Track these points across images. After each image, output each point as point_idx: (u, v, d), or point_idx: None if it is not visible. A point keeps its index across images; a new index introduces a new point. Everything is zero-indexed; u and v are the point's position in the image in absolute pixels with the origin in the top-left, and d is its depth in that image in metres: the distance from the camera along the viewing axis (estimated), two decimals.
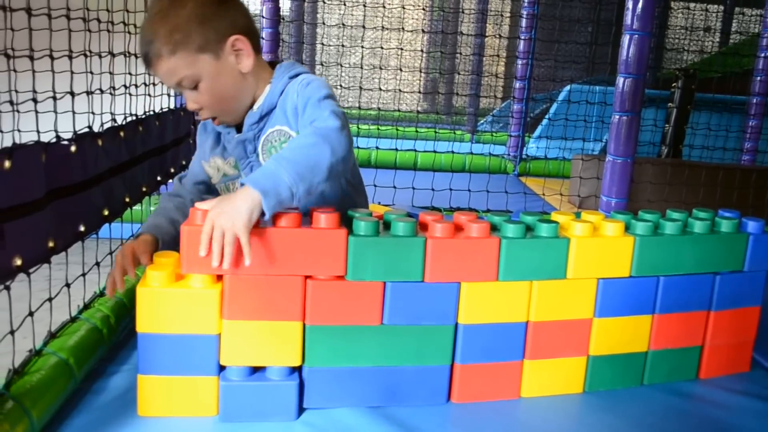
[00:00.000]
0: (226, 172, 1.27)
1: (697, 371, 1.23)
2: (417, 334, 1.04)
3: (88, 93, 1.22)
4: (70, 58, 1.15)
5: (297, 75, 1.22)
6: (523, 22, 3.66)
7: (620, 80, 1.97)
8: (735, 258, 1.19)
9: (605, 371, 1.15)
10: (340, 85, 4.74)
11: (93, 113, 1.23)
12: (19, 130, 0.92)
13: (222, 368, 1.01)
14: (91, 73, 1.25)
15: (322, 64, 4.46)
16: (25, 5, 0.98)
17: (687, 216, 1.20)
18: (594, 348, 1.13)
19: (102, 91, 1.28)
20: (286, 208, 0.98)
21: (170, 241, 1.17)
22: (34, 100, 1.00)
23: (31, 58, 0.99)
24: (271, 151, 1.20)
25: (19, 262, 0.91)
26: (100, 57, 1.28)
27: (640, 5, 1.89)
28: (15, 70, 0.94)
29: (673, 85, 3.27)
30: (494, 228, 1.08)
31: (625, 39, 1.93)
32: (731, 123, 3.80)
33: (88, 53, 1.21)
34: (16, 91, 0.93)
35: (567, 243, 1.07)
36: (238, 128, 1.24)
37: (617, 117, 1.98)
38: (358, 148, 3.35)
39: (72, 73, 1.15)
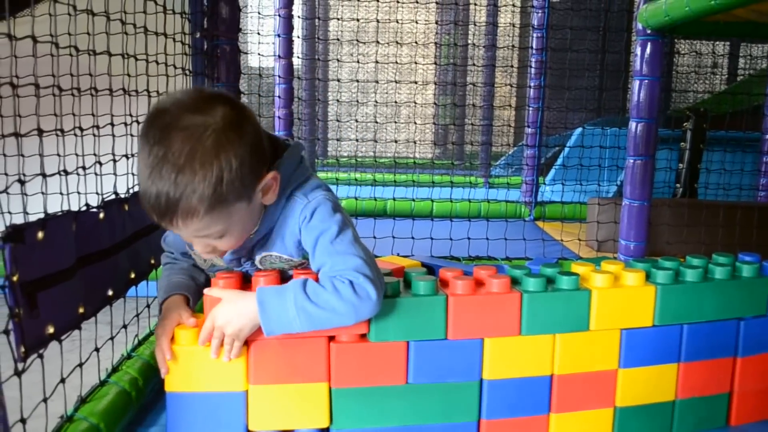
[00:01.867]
0: (216, 263, 1.17)
1: (726, 419, 1.21)
2: (442, 391, 1.05)
3: (114, 160, 1.26)
4: (98, 127, 1.19)
5: (291, 195, 1.05)
6: (532, 71, 3.72)
7: (632, 125, 1.99)
8: (758, 303, 1.19)
9: (633, 422, 1.14)
10: (356, 139, 4.82)
11: (116, 175, 1.26)
12: (43, 193, 0.95)
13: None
14: (113, 136, 1.28)
15: (338, 120, 4.54)
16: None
17: (707, 261, 1.20)
18: (620, 399, 1.13)
19: (128, 157, 1.32)
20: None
21: (197, 295, 1.15)
22: (65, 172, 1.04)
23: (62, 131, 1.03)
24: (273, 265, 1.13)
25: (51, 330, 0.93)
26: (117, 125, 1.32)
27: (648, 51, 1.93)
28: (41, 135, 0.97)
29: (684, 124, 3.28)
30: (515, 282, 1.09)
31: (635, 84, 1.96)
32: (745, 160, 3.79)
33: (112, 122, 1.25)
34: (41, 155, 0.95)
35: (588, 295, 1.07)
36: None
37: (632, 161, 2.00)
38: (374, 199, 3.39)
39: (95, 137, 1.18)
